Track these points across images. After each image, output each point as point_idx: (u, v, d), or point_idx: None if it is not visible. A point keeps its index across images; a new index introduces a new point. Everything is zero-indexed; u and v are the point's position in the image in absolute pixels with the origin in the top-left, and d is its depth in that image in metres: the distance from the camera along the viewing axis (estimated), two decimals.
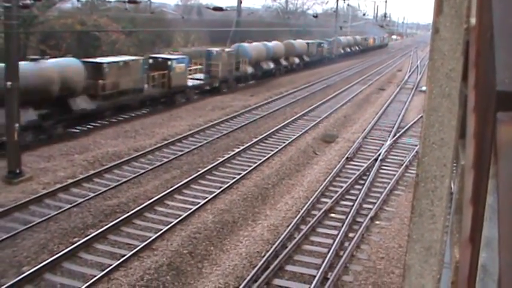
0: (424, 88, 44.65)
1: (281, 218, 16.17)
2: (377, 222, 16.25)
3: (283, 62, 53.22)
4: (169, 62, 32.37)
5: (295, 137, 26.36)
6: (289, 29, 73.60)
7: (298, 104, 36.28)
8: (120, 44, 42.76)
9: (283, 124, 29.06)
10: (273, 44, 50.00)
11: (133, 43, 41.27)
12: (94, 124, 26.53)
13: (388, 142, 26.03)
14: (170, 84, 32.41)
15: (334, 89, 44.99)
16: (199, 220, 15.60)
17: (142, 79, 30.05)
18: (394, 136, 27.59)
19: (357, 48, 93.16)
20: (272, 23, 76.47)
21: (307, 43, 61.30)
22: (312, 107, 34.85)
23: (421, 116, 24.72)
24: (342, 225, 15.35)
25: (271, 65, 49.27)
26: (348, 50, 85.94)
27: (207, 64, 37.33)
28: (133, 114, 29.68)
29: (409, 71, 65.61)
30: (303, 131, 27.87)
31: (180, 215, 15.74)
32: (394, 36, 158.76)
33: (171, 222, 15.15)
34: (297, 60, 57.32)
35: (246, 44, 44.74)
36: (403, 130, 29.19)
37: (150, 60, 32.74)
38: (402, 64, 77.54)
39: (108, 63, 27.47)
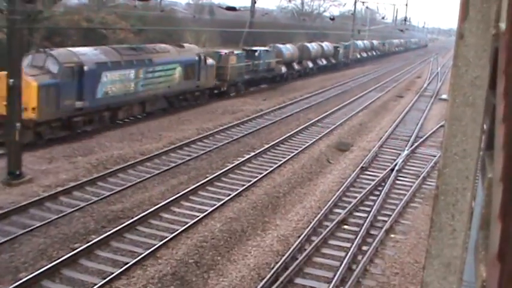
0: (444, 96, 45.15)
1: (292, 228, 16.12)
2: (392, 235, 16.15)
3: (296, 66, 53.84)
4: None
5: (308, 144, 26.36)
6: (304, 32, 73.79)
7: (312, 110, 36.32)
8: (129, 43, 43.08)
9: (296, 130, 29.11)
10: (286, 46, 51.07)
11: (142, 42, 41.40)
12: (99, 126, 26.66)
13: (406, 152, 25.96)
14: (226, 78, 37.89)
15: (350, 95, 45.01)
16: (206, 228, 15.58)
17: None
18: (411, 146, 27.54)
19: (374, 53, 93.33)
20: (287, 25, 76.64)
21: (322, 46, 61.86)
22: (326, 114, 34.90)
23: (441, 126, 24.61)
24: (355, 238, 15.27)
25: (283, 69, 49.93)
26: (365, 54, 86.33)
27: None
28: (140, 117, 29.79)
29: (429, 78, 65.49)
30: (317, 138, 27.89)
31: (186, 223, 15.73)
32: (413, 40, 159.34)
33: (177, 230, 15.12)
34: (310, 64, 57.75)
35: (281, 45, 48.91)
36: (421, 140, 29.09)
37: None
38: (421, 71, 77.27)
39: None
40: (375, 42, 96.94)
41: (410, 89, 53.14)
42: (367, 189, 19.75)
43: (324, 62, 62.49)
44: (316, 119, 32.84)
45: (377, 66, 77.60)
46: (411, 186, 20.77)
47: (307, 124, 31.04)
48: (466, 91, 2.41)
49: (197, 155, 23.11)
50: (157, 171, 20.28)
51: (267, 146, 25.21)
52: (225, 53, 39.08)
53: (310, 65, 57.77)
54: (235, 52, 40.80)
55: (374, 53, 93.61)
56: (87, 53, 25.67)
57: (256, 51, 43.72)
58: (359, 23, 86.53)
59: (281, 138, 26.95)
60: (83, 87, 24.50)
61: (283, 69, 49.81)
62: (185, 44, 35.96)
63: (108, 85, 26.25)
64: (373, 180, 21.09)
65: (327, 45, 64.01)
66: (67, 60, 24.00)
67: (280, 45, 49.83)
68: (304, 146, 25.80)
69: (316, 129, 30.53)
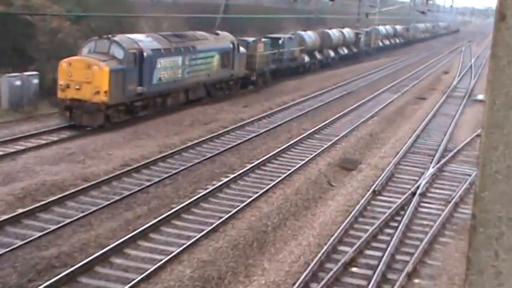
0: (480, 97, 45.32)
1: (284, 273, 16.00)
2: (416, 280, 16.06)
3: (318, 56, 61.98)
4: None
5: (303, 162, 26.32)
6: (295, 17, 74.31)
7: (308, 118, 36.53)
8: (65, 34, 42.66)
9: (287, 145, 29.12)
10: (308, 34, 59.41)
11: (84, 32, 41.17)
12: (25, 144, 26.65)
13: (430, 170, 25.98)
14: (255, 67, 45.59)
15: (357, 98, 45.25)
16: (173, 276, 15.41)
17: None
18: (438, 162, 27.54)
19: (397, 41, 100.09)
20: (273, 9, 76.79)
21: (343, 33, 69.33)
22: (326, 122, 35.09)
23: (477, 135, 24.94)
24: (368, 285, 15.15)
25: (306, 58, 58.26)
26: (387, 42, 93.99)
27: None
28: (77, 133, 29.69)
29: (460, 73, 66.05)
30: (314, 154, 27.87)
31: (145, 270, 15.53)
32: (441, 24, 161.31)
33: (133, 280, 14.91)
34: (332, 53, 65.77)
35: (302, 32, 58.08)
36: (450, 154, 29.16)
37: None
38: (450, 64, 78.20)
39: None
40: (398, 27, 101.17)
41: (435, 88, 53.49)
42: (382, 219, 19.71)
43: (345, 50, 70.47)
44: (313, 129, 32.99)
45: (395, 59, 78.59)
46: (439, 215, 20.74)
47: (301, 136, 31.15)
48: (509, 90, 2.39)
49: (159, 179, 23.02)
50: (107, 202, 20.05)
51: (250, 166, 25.20)
52: (253, 41, 46.42)
53: (332, 54, 65.91)
54: (263, 40, 48.14)
55: (397, 41, 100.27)
56: (143, 40, 33.72)
57: (279, 38, 51.51)
58: (366, 5, 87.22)
59: (268, 156, 26.92)
60: (142, 73, 32.32)
61: (306, 58, 58.13)
62: (219, 32, 43.40)
63: (161, 71, 34.15)
64: (388, 207, 21.05)
65: (348, 31, 71.42)
66: (130, 46, 31.83)
67: (302, 32, 58.64)
68: (298, 165, 25.74)
69: (314, 142, 30.62)
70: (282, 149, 28.40)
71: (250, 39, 47.13)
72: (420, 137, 33.31)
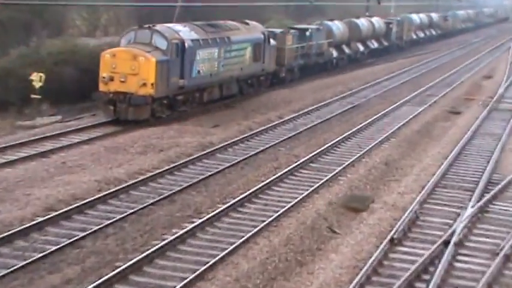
0: None
1: None
2: None
3: (346, 50, 70.37)
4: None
5: (295, 201, 26.27)
6: (284, 4, 74.54)
7: (301, 141, 36.77)
8: None
9: (273, 178, 29.12)
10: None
11: None
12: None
13: (469, 211, 25.92)
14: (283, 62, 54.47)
15: (366, 113, 45.42)
16: None
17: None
18: (479, 199, 27.40)
19: (433, 33, 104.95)
20: None
21: (372, 23, 77.09)
22: (326, 146, 35.12)
23: None
24: None
25: (334, 53, 66.69)
26: (421, 34, 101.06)
27: None
28: None
29: (507, 78, 66.03)
30: (310, 189, 27.83)
31: None
32: (486, 11, 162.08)
33: None
34: (361, 47, 74.31)
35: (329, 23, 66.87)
36: (496, 188, 29.05)
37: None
38: (494, 65, 78.32)
39: None
40: (434, 15, 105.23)
41: (473, 99, 53.61)
42: (404, 278, 19.40)
43: (375, 44, 79.18)
44: (308, 156, 33.08)
45: (422, 57, 79.24)
46: (483, 272, 20.47)
47: (292, 166, 31.19)
48: None
49: (98, 227, 22.80)
50: (23, 262, 19.63)
51: (223, 207, 25.12)
52: (281, 32, 55.31)
53: (361, 48, 74.82)
54: (291, 30, 56.87)
55: (433, 32, 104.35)
56: (182, 30, 41.00)
57: (307, 29, 59.98)
58: None
59: (247, 193, 26.83)
60: (184, 64, 39.75)
61: (334, 53, 66.74)
62: (248, 21, 50.22)
63: (200, 64, 41.40)
64: (412, 262, 20.84)
65: (377, 21, 79.60)
66: (172, 36, 39.28)
67: (329, 22, 66.90)
68: (288, 205, 25.63)
69: (309, 174, 30.78)
70: (267, 184, 28.29)
71: (277, 30, 55.97)
72: (454, 165, 33.23)
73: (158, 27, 39.59)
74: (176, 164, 30.92)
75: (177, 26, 41.77)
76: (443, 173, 31.56)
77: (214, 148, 34.12)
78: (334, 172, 30.82)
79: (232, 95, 46.66)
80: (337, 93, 53.44)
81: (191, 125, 39.26)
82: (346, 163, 32.41)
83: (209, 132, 37.81)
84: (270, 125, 40.41)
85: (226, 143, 35.34)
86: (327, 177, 29.90)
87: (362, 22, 73.89)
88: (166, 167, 30.17)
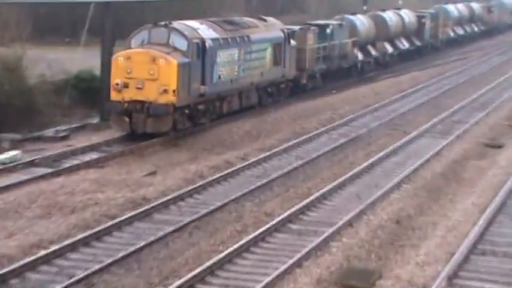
0: None
1: None
2: None
3: (372, 52, 66.35)
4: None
5: (268, 279, 21.87)
6: None
7: (274, 192, 31.80)
8: None
9: (235, 247, 24.49)
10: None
11: None
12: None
13: None
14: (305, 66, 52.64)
15: (368, 150, 40.05)
16: None
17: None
18: None
19: (475, 29, 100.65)
20: None
21: (401, 16, 72.39)
22: (311, 199, 30.06)
23: None
24: None
25: (360, 55, 62.77)
26: (461, 31, 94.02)
27: None
28: None
29: None
30: (290, 262, 23.32)
31: None
32: None
33: None
34: (389, 48, 69.44)
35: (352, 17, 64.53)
36: None
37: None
38: None
39: None
40: (476, 6, 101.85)
41: None
42: None
43: (406, 44, 73.10)
44: (287, 213, 28.24)
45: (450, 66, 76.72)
46: None
47: (264, 229, 26.47)
48: None
49: None
50: None
51: None
52: (300, 29, 52.79)
53: (390, 49, 69.00)
54: (311, 28, 54.04)
55: (475, 28, 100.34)
56: (200, 27, 39.87)
57: (327, 26, 56.80)
58: None
59: (200, 270, 22.27)
60: (205, 68, 38.47)
61: (360, 55, 62.38)
62: (265, 17, 50.06)
63: (220, 67, 40.14)
64: None
65: (407, 14, 74.21)
66: (192, 35, 38.06)
67: (352, 17, 62.84)
68: (259, 287, 21.54)
69: (288, 239, 26.41)
70: (227, 256, 23.87)
71: (295, 27, 53.01)
72: (496, 221, 28.71)
73: (176, 24, 38.87)
74: (94, 230, 26.16)
75: (195, 23, 40.94)
76: (481, 232, 26.84)
77: (150, 206, 29.06)
78: (326, 234, 26.26)
79: (251, 105, 45.42)
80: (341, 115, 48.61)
81: (115, 173, 34.49)
82: (342, 221, 27.82)
83: (142, 182, 32.79)
84: (230, 170, 35.15)
85: (166, 198, 30.23)
86: (314, 244, 25.14)
87: (390, 16, 68.97)
88: (80, 236, 25.51)
